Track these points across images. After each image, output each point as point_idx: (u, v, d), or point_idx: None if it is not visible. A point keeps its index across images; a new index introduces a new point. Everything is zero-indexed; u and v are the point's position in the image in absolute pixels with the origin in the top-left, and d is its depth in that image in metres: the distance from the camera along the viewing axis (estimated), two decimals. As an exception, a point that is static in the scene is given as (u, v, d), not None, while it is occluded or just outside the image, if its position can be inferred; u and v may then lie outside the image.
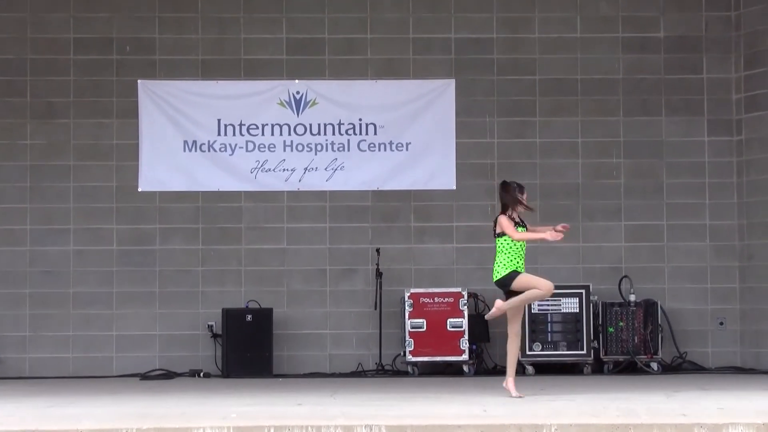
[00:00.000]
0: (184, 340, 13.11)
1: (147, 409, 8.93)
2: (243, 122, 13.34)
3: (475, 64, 13.40)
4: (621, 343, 12.77)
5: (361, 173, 13.33)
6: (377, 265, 13.05)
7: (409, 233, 13.33)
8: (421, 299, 12.70)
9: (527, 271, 10.07)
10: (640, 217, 13.37)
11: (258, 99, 13.35)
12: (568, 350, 12.73)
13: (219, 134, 13.32)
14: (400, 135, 13.34)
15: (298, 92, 13.37)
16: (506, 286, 9.98)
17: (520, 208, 10.03)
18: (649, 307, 12.84)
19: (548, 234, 9.91)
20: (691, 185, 13.40)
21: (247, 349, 12.70)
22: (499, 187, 10.11)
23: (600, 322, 12.81)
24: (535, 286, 9.85)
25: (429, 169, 13.34)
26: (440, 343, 12.63)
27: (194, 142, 13.31)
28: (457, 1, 13.44)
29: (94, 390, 11.02)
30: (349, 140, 13.36)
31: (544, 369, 12.73)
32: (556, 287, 12.80)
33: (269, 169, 13.32)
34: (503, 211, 9.98)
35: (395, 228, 13.33)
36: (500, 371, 12.91)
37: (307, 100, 13.36)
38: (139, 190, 13.27)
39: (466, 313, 12.66)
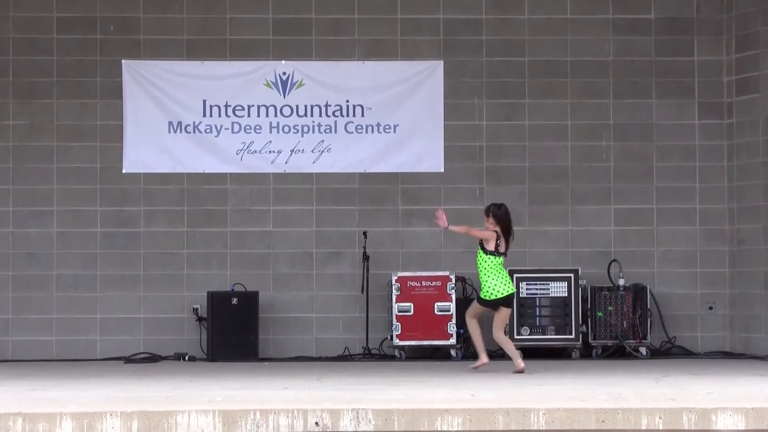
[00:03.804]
0: (168, 324, 13.05)
1: (131, 392, 8.88)
2: (229, 103, 13.25)
3: (464, 46, 13.32)
4: (610, 327, 12.74)
5: (349, 155, 13.26)
6: (364, 248, 12.99)
7: (397, 216, 13.27)
8: (409, 283, 12.65)
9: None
10: (630, 200, 13.32)
11: (244, 80, 13.26)
12: (556, 334, 12.70)
13: (204, 115, 13.23)
14: (387, 117, 13.27)
15: (284, 73, 13.28)
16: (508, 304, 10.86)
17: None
18: (638, 292, 12.82)
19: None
20: (681, 169, 13.36)
21: (233, 333, 12.65)
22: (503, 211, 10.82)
23: (589, 307, 12.79)
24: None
25: (417, 151, 13.27)
26: (428, 327, 12.59)
27: (179, 123, 13.21)
28: (445, -18, 13.38)
29: (78, 373, 10.97)
30: (336, 122, 13.28)
31: (532, 353, 12.67)
32: (545, 271, 12.85)
33: (255, 151, 13.24)
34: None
35: (382, 211, 13.27)
36: (488, 355, 12.88)
37: (294, 81, 13.27)
38: (123, 171, 13.18)
39: (453, 297, 12.62)
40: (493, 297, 10.71)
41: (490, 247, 10.73)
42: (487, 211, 10.86)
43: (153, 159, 13.19)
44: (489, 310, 10.84)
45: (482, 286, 10.77)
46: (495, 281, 10.70)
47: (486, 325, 13.13)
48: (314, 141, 13.28)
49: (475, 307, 10.97)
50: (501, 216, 10.77)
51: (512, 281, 12.62)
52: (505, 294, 10.73)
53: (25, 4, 13.17)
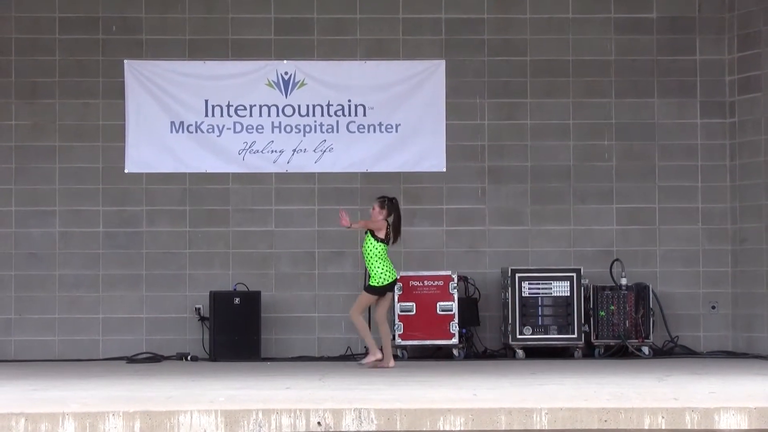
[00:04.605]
0: (171, 323, 13.04)
1: (134, 392, 8.88)
2: (231, 103, 13.25)
3: (466, 45, 13.32)
4: (612, 327, 12.73)
5: (350, 155, 13.26)
6: (366, 247, 12.97)
7: (399, 216, 13.24)
8: (411, 282, 12.64)
9: None
10: (632, 200, 13.32)
11: (246, 79, 13.25)
12: (558, 334, 12.69)
13: (206, 115, 13.23)
14: (389, 116, 13.26)
15: (286, 73, 13.28)
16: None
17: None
18: (640, 291, 12.80)
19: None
20: (683, 168, 13.35)
21: (235, 333, 12.64)
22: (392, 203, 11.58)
23: (591, 306, 12.78)
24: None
25: (418, 150, 13.27)
26: (430, 327, 12.58)
27: (181, 123, 13.21)
28: (447, -19, 13.37)
29: (81, 373, 10.97)
30: (337, 121, 13.28)
31: (535, 353, 12.70)
32: (548, 270, 12.84)
33: (257, 151, 13.24)
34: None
35: (384, 210, 13.23)
36: (490, 355, 12.92)
37: (296, 80, 13.27)
38: (126, 171, 13.18)
39: (456, 297, 12.62)
40: (384, 282, 11.43)
41: (381, 235, 11.50)
42: (382, 204, 11.57)
43: (155, 159, 13.19)
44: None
45: (372, 273, 11.51)
46: (383, 267, 11.48)
47: (489, 325, 13.16)
48: (316, 141, 13.28)
49: (365, 300, 11.52)
50: (393, 209, 11.58)
51: (514, 281, 12.72)
52: (393, 279, 11.53)
53: (26, 4, 13.17)
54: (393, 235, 11.57)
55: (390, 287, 11.61)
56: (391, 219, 11.55)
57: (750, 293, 13.08)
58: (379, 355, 11.42)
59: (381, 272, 11.46)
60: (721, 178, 13.33)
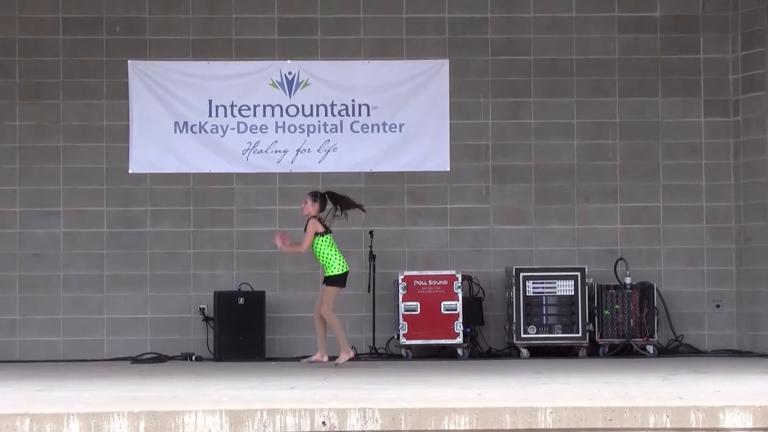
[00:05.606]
0: (175, 324, 13.05)
1: (138, 392, 8.88)
2: (234, 103, 13.26)
3: (469, 44, 13.32)
4: (616, 325, 12.73)
5: (354, 155, 13.27)
6: (370, 247, 12.99)
7: (403, 215, 13.27)
8: (415, 282, 12.64)
9: None
10: (636, 198, 13.32)
11: (249, 79, 13.26)
12: (563, 333, 12.69)
13: (210, 115, 13.24)
14: (393, 116, 13.27)
15: (290, 73, 13.29)
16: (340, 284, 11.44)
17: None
18: (644, 290, 12.80)
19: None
20: (687, 167, 13.34)
21: (240, 333, 12.65)
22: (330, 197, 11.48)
23: (595, 305, 12.77)
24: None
25: (422, 150, 13.28)
26: (434, 326, 12.58)
27: (185, 123, 13.22)
28: (450, -20, 13.37)
29: (85, 373, 10.97)
30: (341, 121, 13.29)
31: (539, 352, 12.70)
32: (552, 269, 12.85)
33: (261, 151, 13.25)
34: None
35: (388, 210, 13.27)
36: (495, 354, 12.92)
37: (300, 80, 13.28)
38: (130, 171, 13.19)
39: (460, 296, 12.62)
40: (342, 270, 11.39)
41: (321, 229, 11.39)
42: (314, 197, 11.47)
43: (159, 159, 13.20)
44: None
45: (329, 265, 11.40)
46: (336, 256, 11.40)
47: (493, 324, 13.16)
48: (320, 140, 13.28)
49: (331, 293, 11.41)
50: (325, 202, 11.41)
51: (518, 280, 12.72)
52: (347, 269, 11.46)
53: (30, 4, 13.18)
54: (340, 209, 11.43)
55: (346, 275, 11.50)
56: (324, 213, 11.41)
57: (754, 292, 13.07)
58: (324, 358, 11.45)
59: (335, 260, 11.38)
60: (725, 176, 13.32)
